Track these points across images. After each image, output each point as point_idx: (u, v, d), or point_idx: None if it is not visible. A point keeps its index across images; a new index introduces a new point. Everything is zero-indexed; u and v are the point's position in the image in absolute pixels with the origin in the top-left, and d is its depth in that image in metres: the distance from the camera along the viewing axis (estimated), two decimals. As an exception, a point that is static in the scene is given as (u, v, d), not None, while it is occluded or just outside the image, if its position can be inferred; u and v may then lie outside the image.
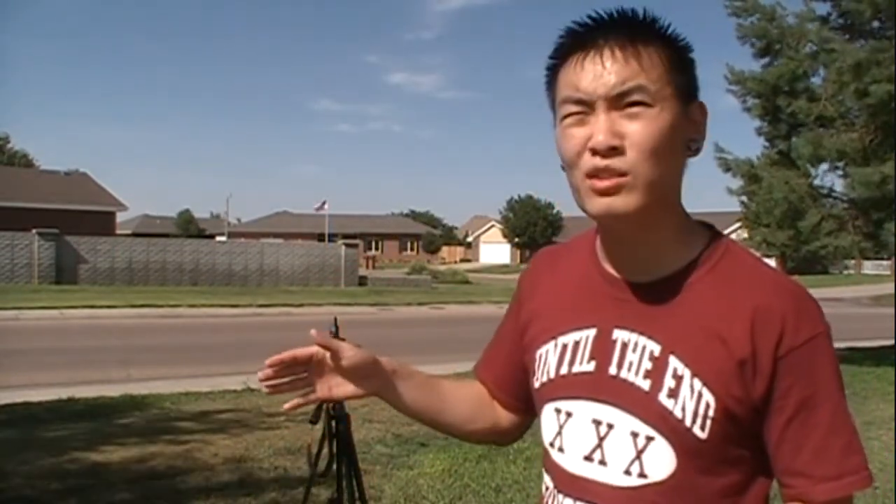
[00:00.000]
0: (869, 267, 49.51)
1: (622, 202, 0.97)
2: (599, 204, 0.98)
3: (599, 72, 0.97)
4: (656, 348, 1.02)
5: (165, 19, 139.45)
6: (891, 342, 11.93)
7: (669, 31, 1.02)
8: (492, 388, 1.30)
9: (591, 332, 1.08)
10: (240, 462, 5.18)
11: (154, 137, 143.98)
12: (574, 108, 0.99)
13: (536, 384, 1.14)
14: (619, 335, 1.05)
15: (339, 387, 1.18)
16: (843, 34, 9.80)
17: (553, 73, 1.04)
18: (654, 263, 1.05)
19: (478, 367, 1.34)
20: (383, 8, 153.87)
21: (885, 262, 46.22)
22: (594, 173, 0.97)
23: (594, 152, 0.97)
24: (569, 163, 1.01)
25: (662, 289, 1.04)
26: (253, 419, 6.76)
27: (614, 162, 0.96)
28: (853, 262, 43.79)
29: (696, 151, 1.05)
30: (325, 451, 2.87)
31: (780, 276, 1.04)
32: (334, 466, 2.84)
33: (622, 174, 0.96)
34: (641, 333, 1.04)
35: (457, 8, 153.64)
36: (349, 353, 1.15)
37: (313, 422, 2.83)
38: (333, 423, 2.81)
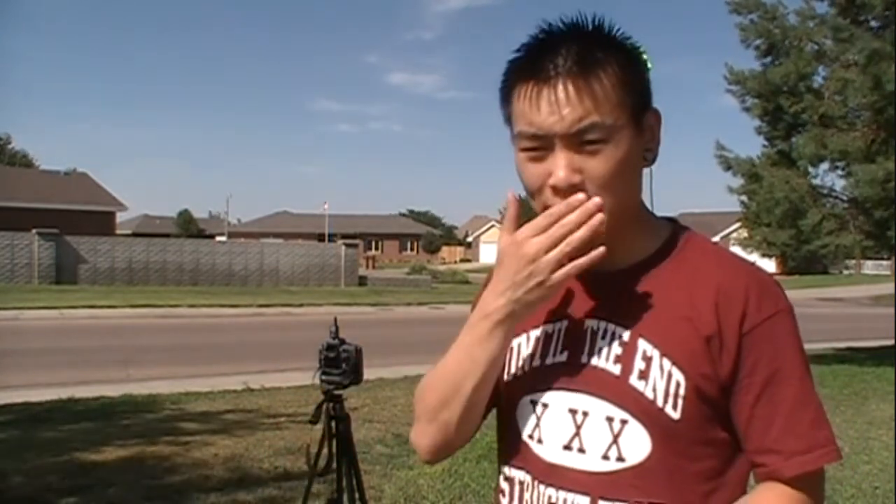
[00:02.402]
0: (869, 267, 49.49)
1: None
2: None
3: (554, 109, 0.97)
4: (625, 333, 1.04)
5: (165, 19, 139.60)
6: (891, 342, 11.93)
7: (619, 37, 1.02)
8: None
9: (563, 324, 1.10)
10: (240, 462, 5.18)
11: (154, 137, 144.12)
12: (530, 144, 1.01)
13: (506, 377, 1.13)
14: (590, 324, 1.07)
15: None
16: (847, 30, 9.75)
17: (505, 92, 1.05)
18: (618, 255, 1.07)
19: None
20: (383, 8, 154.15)
21: (885, 262, 46.20)
22: None
23: (555, 190, 0.99)
24: (529, 194, 1.05)
25: (629, 277, 1.07)
26: (253, 419, 6.76)
27: None
28: (853, 262, 43.76)
29: (652, 160, 1.07)
30: (325, 451, 2.87)
31: (741, 260, 1.07)
32: (334, 466, 2.84)
33: None
34: (610, 321, 1.06)
35: (457, 8, 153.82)
36: None
37: (313, 422, 2.83)
38: (333, 423, 2.81)
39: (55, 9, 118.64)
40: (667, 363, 1.00)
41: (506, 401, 1.14)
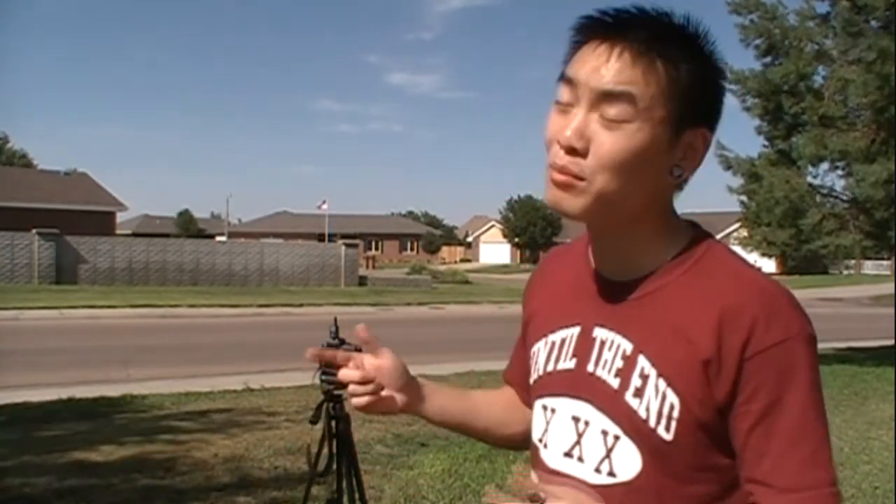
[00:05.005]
0: (869, 267, 49.45)
1: (569, 202, 0.98)
2: (550, 195, 0.99)
3: (601, 64, 0.95)
4: (629, 347, 1.02)
5: (165, 19, 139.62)
6: (891, 342, 11.94)
7: (705, 47, 0.99)
8: (517, 389, 1.30)
9: (576, 330, 1.09)
10: (239, 462, 5.17)
11: (154, 137, 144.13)
12: (564, 90, 0.99)
13: (531, 381, 1.16)
14: (599, 333, 1.06)
15: (375, 402, 1.21)
16: (857, 25, 9.72)
17: (573, 45, 1.02)
18: (632, 262, 1.05)
19: (505, 370, 1.36)
20: (383, 8, 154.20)
21: (885, 262, 46.16)
22: (554, 166, 0.98)
23: (560, 145, 0.97)
24: (545, 145, 1.01)
25: (639, 288, 1.04)
26: (253, 419, 6.75)
27: (572, 163, 0.96)
28: (853, 262, 43.74)
29: (679, 179, 1.01)
30: (325, 451, 2.87)
31: (759, 277, 1.00)
32: (334, 466, 2.84)
33: (577, 177, 0.96)
34: (617, 332, 1.04)
35: (457, 8, 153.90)
36: (387, 351, 1.20)
37: (313, 422, 2.82)
38: (333, 423, 2.80)
39: (55, 9, 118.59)
40: (662, 384, 0.98)
41: (532, 404, 1.17)
